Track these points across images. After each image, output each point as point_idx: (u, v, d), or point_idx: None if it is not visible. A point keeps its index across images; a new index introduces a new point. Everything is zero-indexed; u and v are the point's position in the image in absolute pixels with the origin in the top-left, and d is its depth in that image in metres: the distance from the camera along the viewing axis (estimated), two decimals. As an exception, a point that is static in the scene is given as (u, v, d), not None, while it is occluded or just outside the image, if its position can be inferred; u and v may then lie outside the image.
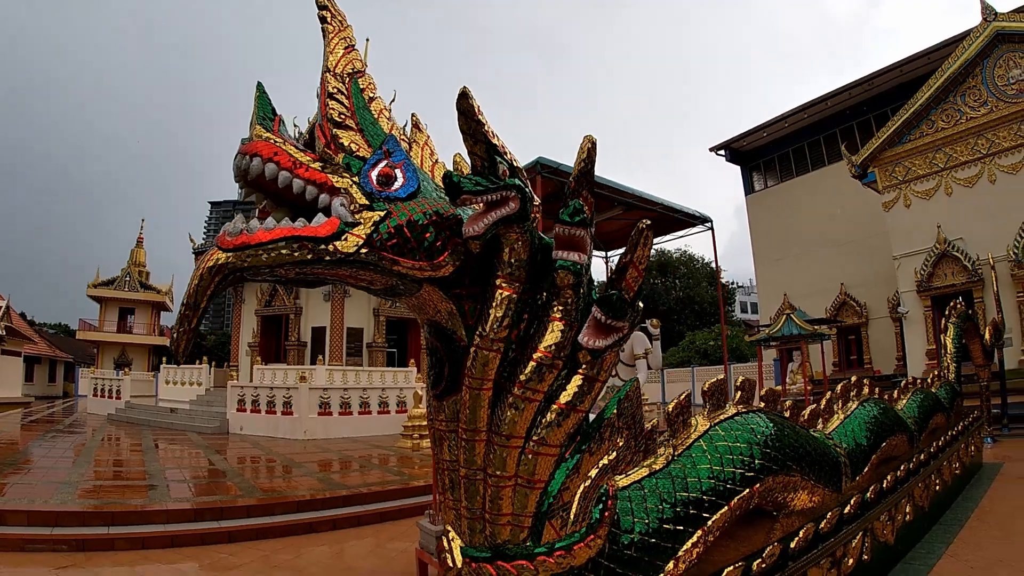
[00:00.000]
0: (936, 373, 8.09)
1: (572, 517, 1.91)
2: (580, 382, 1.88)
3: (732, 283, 53.95)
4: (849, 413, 4.10)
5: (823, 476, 3.25)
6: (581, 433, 1.98)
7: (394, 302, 5.93)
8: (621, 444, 2.02)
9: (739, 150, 23.99)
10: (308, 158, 1.88)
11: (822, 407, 3.91)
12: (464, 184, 1.74)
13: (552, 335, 1.86)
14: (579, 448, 1.94)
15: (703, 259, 49.74)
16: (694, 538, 2.20)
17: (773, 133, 22.82)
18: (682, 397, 2.48)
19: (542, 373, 1.86)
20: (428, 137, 2.38)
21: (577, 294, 1.87)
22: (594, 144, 1.79)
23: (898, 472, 4.63)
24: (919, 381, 7.05)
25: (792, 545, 2.91)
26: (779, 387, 18.47)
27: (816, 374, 19.12)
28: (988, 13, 12.56)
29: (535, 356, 1.87)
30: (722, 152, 24.34)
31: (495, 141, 1.81)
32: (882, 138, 13.90)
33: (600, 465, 1.95)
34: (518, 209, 1.80)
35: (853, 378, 4.56)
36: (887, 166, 13.98)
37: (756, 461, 2.53)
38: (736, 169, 24.50)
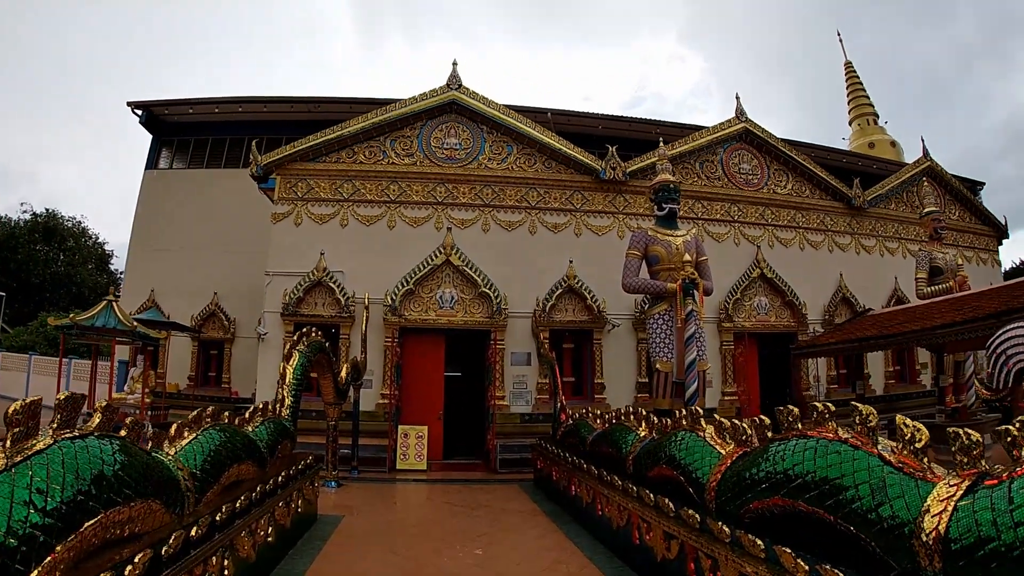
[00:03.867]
0: (262, 407, 7.06)
1: None
2: None
3: (121, 273, 49.37)
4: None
5: None
6: None
7: None
8: None
9: (160, 117, 21.32)
10: None
11: None
12: None
13: None
14: None
15: (97, 237, 44.38)
16: None
17: (201, 113, 21.02)
18: None
19: None
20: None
21: None
22: None
23: (133, 565, 2.97)
24: (227, 415, 5.83)
25: None
26: (120, 395, 16.59)
27: (170, 386, 17.47)
28: (453, 82, 13.88)
29: None
30: (140, 112, 21.22)
31: None
32: (298, 148, 13.46)
33: None
34: None
35: (64, 396, 2.80)
36: (291, 178, 13.54)
37: None
38: (147, 137, 21.69)
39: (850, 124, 34.00)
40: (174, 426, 4.95)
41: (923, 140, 19.04)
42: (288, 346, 8.25)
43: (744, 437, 4.70)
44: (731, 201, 14.97)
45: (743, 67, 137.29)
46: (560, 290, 13.19)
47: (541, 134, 13.75)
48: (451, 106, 13.88)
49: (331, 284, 12.82)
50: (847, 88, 34.89)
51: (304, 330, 8.63)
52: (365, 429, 11.81)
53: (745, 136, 15.49)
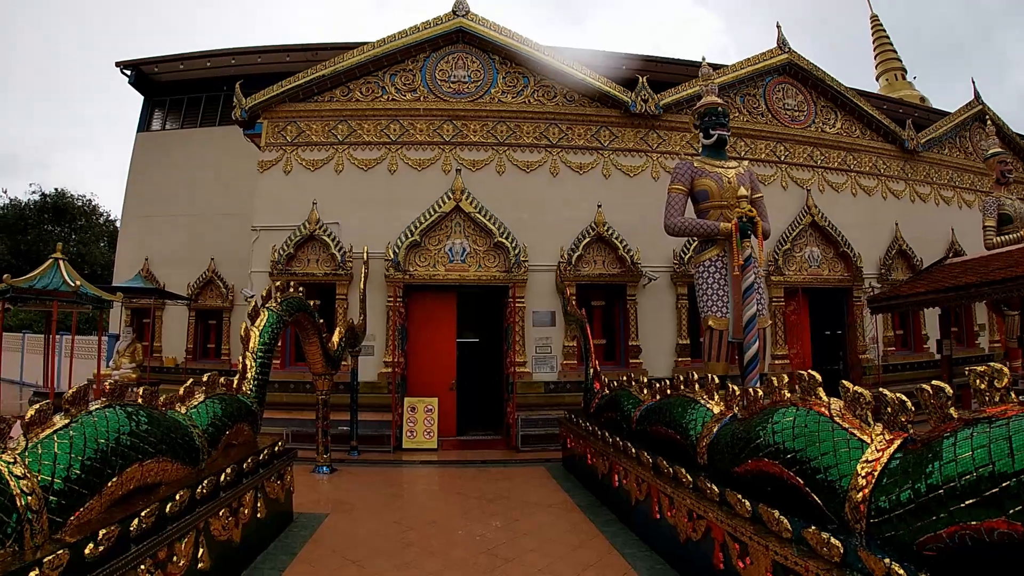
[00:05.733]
0: (208, 380, 5.12)
1: None
2: None
3: None
4: None
5: None
6: None
7: None
8: None
9: (149, 76, 19.35)
10: None
11: None
12: None
13: None
14: None
15: (108, 215, 42.67)
16: None
17: (192, 69, 19.07)
18: None
19: None
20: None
21: None
22: None
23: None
24: (140, 391, 3.94)
25: None
26: (105, 370, 14.85)
27: (168, 360, 15.71)
28: (460, 8, 11.82)
29: None
30: (128, 72, 19.27)
31: None
32: (287, 87, 11.67)
33: None
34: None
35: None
36: (279, 121, 11.66)
37: None
38: (138, 97, 19.72)
39: (877, 80, 31.50)
40: (31, 410, 3.06)
41: (973, 82, 16.72)
42: (253, 303, 6.26)
43: (904, 417, 2.83)
44: (777, 140, 12.89)
45: (761, 27, 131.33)
46: (588, 239, 11.20)
47: (561, 63, 11.62)
48: (458, 35, 11.85)
49: (325, 238, 10.91)
50: (873, 42, 32.35)
51: (278, 283, 6.73)
52: (365, 403, 10.06)
53: (789, 69, 13.36)
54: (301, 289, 7.28)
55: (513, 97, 11.73)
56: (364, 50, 11.62)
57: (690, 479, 4.23)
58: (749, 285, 7.70)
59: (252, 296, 10.73)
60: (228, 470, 4.40)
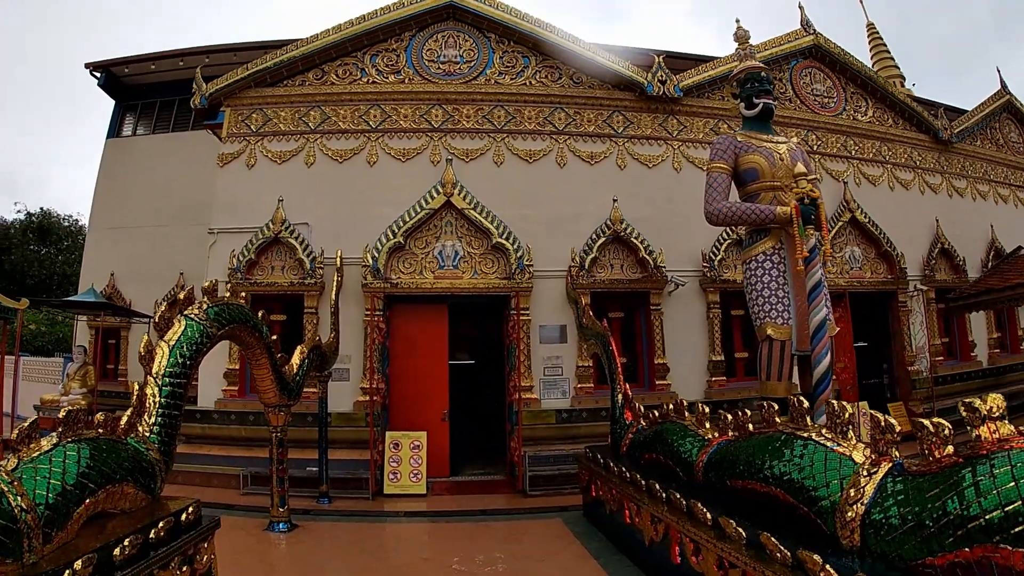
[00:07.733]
0: (71, 415, 3.12)
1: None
2: None
3: None
4: None
5: None
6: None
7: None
8: None
9: (120, 79, 17.44)
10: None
11: None
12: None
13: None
14: None
15: (96, 235, 40.97)
16: None
17: (164, 71, 17.08)
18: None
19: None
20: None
21: None
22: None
23: None
24: None
25: None
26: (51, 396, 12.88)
27: (131, 385, 13.42)
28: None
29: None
30: (98, 74, 17.40)
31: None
32: (253, 71, 10.00)
33: None
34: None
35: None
36: (244, 109, 9.93)
37: None
38: (109, 102, 17.82)
39: (876, 87, 29.82)
40: None
41: (999, 71, 15.02)
42: (163, 309, 4.26)
43: None
44: (807, 127, 11.17)
45: (756, 38, 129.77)
46: (603, 239, 9.33)
47: (567, 41, 9.78)
48: (448, 10, 10.12)
49: (292, 241, 9.04)
50: (871, 50, 30.77)
51: (205, 284, 4.69)
52: (339, 438, 8.18)
53: (814, 52, 11.66)
54: (242, 295, 5.32)
55: (512, 79, 9.90)
56: (341, 28, 9.87)
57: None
58: (816, 283, 5.87)
59: (204, 311, 8.77)
60: (79, 564, 2.49)
